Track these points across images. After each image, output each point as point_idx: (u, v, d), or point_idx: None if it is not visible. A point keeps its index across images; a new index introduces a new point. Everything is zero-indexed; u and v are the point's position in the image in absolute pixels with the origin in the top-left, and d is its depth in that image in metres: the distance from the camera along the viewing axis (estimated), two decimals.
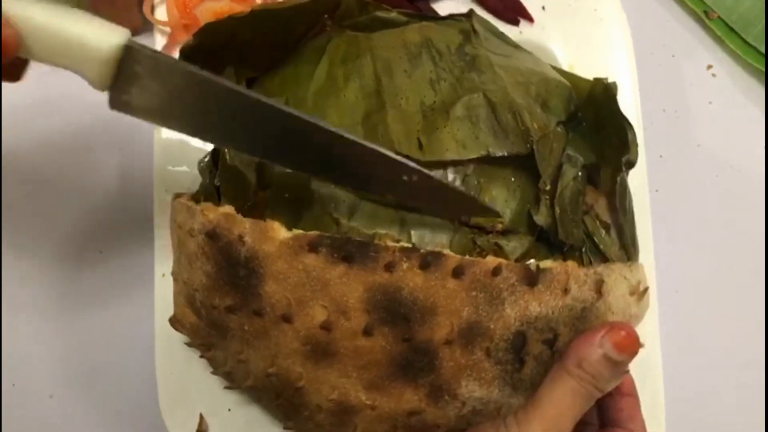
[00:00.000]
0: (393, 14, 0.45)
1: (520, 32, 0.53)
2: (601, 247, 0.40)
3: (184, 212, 0.38)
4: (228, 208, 0.36)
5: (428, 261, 0.33)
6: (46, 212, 0.54)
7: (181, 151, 0.49)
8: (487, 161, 0.37)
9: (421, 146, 0.37)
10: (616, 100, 0.42)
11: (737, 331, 0.55)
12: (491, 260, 0.34)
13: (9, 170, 0.54)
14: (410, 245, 0.34)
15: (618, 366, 0.34)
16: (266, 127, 0.33)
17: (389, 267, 0.33)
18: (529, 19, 0.54)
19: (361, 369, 0.34)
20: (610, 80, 0.44)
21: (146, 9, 0.51)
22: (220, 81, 0.32)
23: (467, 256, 0.34)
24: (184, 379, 0.47)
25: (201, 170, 0.44)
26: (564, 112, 0.42)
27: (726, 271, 0.56)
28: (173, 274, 0.40)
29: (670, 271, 0.54)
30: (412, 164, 0.34)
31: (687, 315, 0.55)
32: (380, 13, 0.44)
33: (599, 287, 0.36)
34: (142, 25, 0.53)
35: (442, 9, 0.53)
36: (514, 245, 0.38)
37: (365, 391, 0.35)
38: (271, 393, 0.38)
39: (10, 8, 0.29)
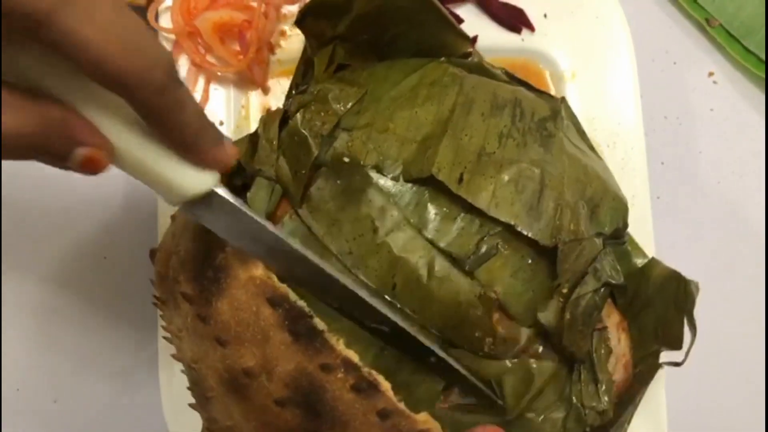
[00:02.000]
0: (497, 71, 0.45)
1: (522, 39, 0.54)
2: (598, 372, 0.41)
3: None
4: None
5: (362, 387, 0.33)
6: (50, 217, 0.54)
7: None
8: (515, 232, 0.38)
9: (461, 180, 0.37)
10: (694, 301, 0.42)
11: (738, 335, 0.55)
12: (422, 420, 0.34)
13: (11, 176, 0.54)
14: (355, 361, 0.33)
15: None
16: (315, 280, 0.35)
17: (325, 368, 0.32)
18: (530, 27, 0.54)
19: (262, 424, 0.34)
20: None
21: (150, 16, 0.51)
22: (282, 238, 0.33)
23: (402, 405, 0.33)
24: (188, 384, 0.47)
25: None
26: (610, 226, 0.42)
27: (728, 277, 0.56)
28: (172, 216, 0.40)
29: None
30: (439, 351, 0.36)
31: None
32: (486, 64, 0.45)
33: None
34: None
35: None
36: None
37: None
38: (189, 377, 0.38)
39: (105, 129, 0.28)
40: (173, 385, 0.48)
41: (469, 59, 0.45)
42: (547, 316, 0.38)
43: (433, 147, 0.38)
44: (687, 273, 0.55)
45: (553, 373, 0.39)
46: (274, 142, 0.40)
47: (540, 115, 0.42)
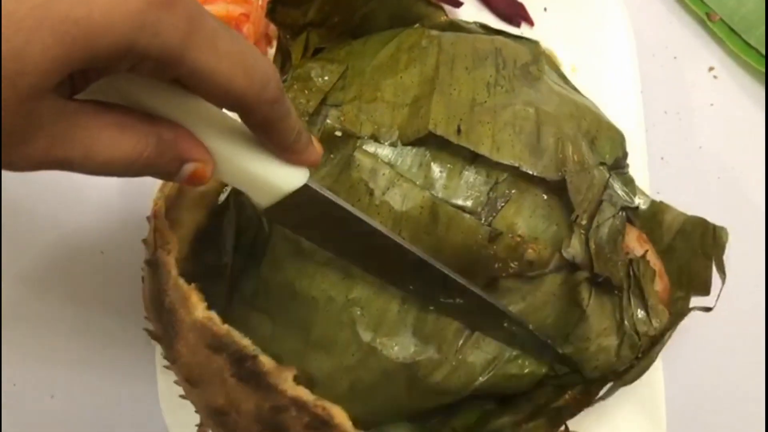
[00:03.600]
0: (471, 24, 0.45)
1: (522, 33, 0.53)
2: (647, 296, 0.41)
3: (152, 214, 0.37)
4: (171, 248, 0.34)
5: (316, 425, 0.32)
6: (47, 212, 0.54)
7: None
8: (522, 174, 0.38)
9: (459, 131, 0.37)
10: (725, 247, 0.43)
11: (738, 332, 0.55)
12: None
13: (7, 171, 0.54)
14: (304, 399, 0.31)
15: None
16: (373, 246, 0.36)
17: (277, 410, 0.31)
18: (529, 21, 0.54)
19: None
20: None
21: None
22: (369, 222, 0.35)
23: None
24: None
25: None
26: (610, 155, 0.42)
27: (727, 273, 0.56)
28: (143, 241, 0.40)
29: None
30: (473, 288, 0.37)
31: (687, 317, 0.55)
32: (459, 21, 0.45)
33: None
34: None
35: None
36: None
37: None
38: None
39: (209, 141, 0.29)
40: (170, 380, 0.48)
41: (442, 20, 0.45)
42: (571, 251, 0.38)
43: (425, 106, 0.38)
44: None
45: (596, 295, 0.39)
46: None
47: (522, 60, 0.42)
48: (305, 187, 0.32)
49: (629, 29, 0.53)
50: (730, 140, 0.58)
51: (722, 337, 0.55)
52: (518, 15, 0.54)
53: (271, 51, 0.53)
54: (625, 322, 0.40)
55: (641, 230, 0.45)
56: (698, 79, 0.59)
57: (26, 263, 0.53)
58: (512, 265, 0.38)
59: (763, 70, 0.57)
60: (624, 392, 0.45)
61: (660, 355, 0.49)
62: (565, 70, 0.53)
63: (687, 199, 0.56)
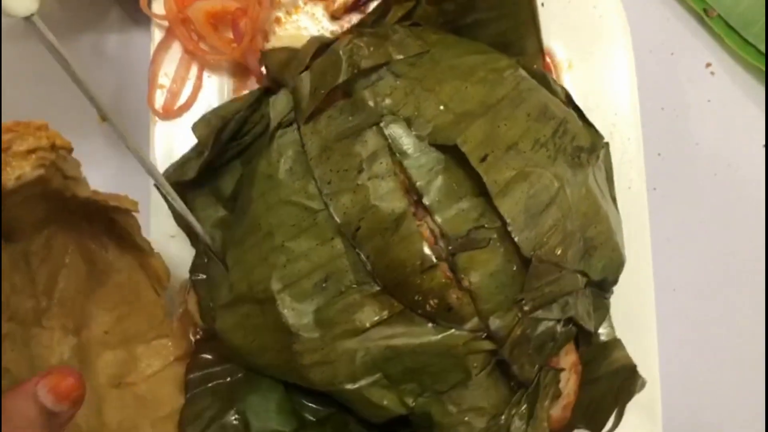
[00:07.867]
0: (558, 87, 0.46)
1: None
2: (538, 409, 0.40)
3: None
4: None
5: None
6: None
7: (177, 137, 0.50)
8: (509, 235, 0.37)
9: (483, 159, 0.37)
10: (631, 397, 0.43)
11: (736, 330, 0.55)
12: None
13: None
14: None
15: (56, 417, 0.30)
16: None
17: None
18: None
19: None
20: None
21: (143, 2, 0.50)
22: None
23: None
24: None
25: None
26: (599, 274, 0.42)
27: (724, 270, 0.56)
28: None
29: (668, 270, 0.54)
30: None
31: (684, 314, 0.55)
32: (551, 78, 0.46)
33: None
34: (137, 19, 0.53)
35: None
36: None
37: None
38: None
39: None
40: None
41: (536, 68, 0.45)
42: (497, 323, 0.37)
43: (468, 123, 0.38)
44: (684, 265, 0.55)
45: (491, 373, 0.39)
46: (308, 58, 0.40)
47: (579, 142, 0.41)
48: (32, 19, 0.33)
49: (626, 25, 0.53)
50: (728, 137, 0.58)
51: (720, 335, 0.55)
52: None
53: (268, 45, 0.53)
54: (503, 417, 0.39)
55: (585, 356, 0.44)
56: (695, 75, 0.58)
57: None
58: (431, 302, 0.37)
59: (761, 66, 0.57)
60: None
61: (657, 353, 0.49)
62: (562, 66, 0.53)
63: (683, 196, 0.57)
